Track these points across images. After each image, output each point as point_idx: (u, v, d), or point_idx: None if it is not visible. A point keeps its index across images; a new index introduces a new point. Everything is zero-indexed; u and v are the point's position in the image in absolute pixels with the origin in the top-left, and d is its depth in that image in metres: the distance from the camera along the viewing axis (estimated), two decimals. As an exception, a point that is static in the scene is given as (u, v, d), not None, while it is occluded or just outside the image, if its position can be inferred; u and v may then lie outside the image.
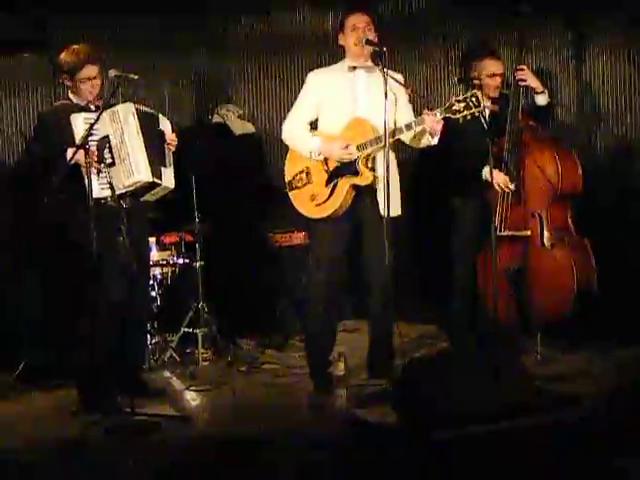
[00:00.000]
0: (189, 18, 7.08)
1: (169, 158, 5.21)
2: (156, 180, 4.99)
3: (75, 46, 5.05)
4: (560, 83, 6.34)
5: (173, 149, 5.23)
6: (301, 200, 5.14)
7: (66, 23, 6.50)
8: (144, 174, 4.92)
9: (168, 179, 5.16)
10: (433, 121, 4.80)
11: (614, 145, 6.20)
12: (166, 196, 5.25)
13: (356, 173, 4.95)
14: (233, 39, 7.29)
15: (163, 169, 5.13)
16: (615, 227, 5.94)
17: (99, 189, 4.82)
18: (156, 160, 5.06)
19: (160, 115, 5.28)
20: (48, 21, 6.53)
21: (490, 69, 5.65)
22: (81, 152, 4.69)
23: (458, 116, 4.75)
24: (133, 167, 4.89)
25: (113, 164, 4.86)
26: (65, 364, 5.39)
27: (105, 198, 4.83)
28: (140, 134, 4.94)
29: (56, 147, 4.88)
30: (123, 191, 4.89)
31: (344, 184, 4.98)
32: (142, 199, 5.15)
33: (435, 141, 4.99)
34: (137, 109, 5.00)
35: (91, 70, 4.99)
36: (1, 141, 6.59)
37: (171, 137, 5.23)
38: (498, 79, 5.67)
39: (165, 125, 5.26)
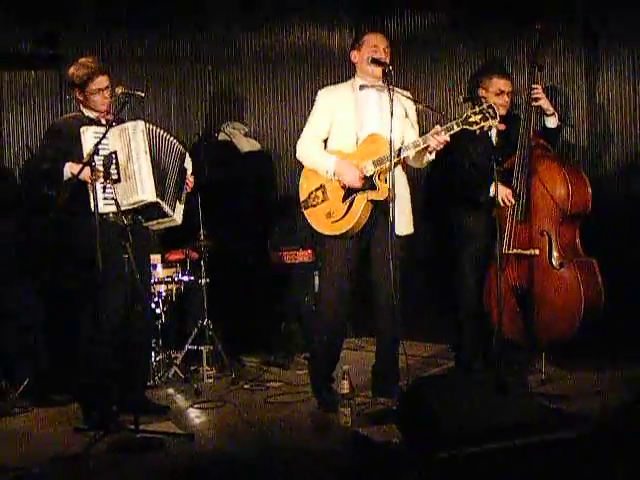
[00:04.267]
0: (195, 36, 7.13)
1: (184, 195, 5.22)
2: (160, 201, 4.95)
3: (82, 59, 5.07)
4: (571, 102, 6.36)
5: (189, 190, 5.26)
6: (317, 218, 5.10)
7: (74, 38, 6.54)
8: (148, 194, 4.89)
9: (178, 214, 5.15)
10: (439, 141, 4.80)
11: (624, 165, 6.19)
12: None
13: (373, 188, 4.94)
14: (239, 57, 7.32)
15: (178, 203, 5.13)
16: (623, 245, 5.94)
17: (102, 204, 4.78)
18: (172, 191, 5.06)
19: (187, 154, 5.28)
20: (58, 36, 6.57)
21: (497, 86, 5.64)
22: (87, 168, 4.67)
23: (475, 128, 4.75)
24: (138, 186, 4.86)
25: (118, 180, 4.82)
26: (68, 381, 5.39)
27: (108, 214, 4.82)
28: (148, 153, 4.90)
29: (64, 156, 4.86)
30: (126, 208, 4.86)
31: (361, 199, 4.95)
32: (146, 224, 5.12)
33: (433, 157, 5.01)
34: (150, 129, 4.99)
35: (102, 80, 4.99)
36: (8, 155, 6.61)
37: (190, 178, 5.26)
38: (506, 97, 5.65)
39: (189, 165, 5.28)
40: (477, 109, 4.73)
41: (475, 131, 4.79)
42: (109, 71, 5.07)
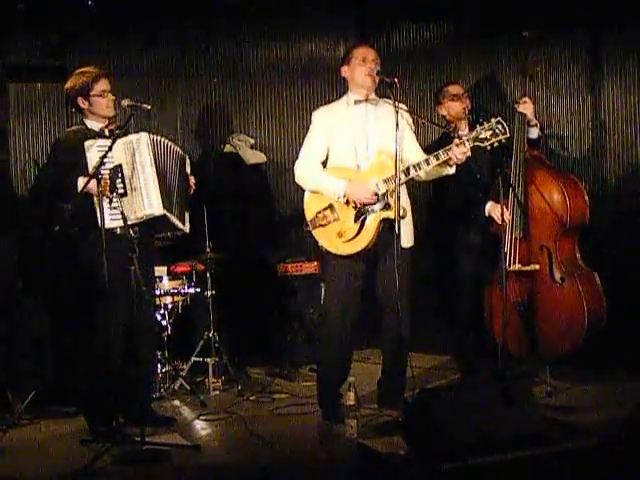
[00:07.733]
0: (202, 48, 7.16)
1: (189, 201, 5.23)
2: (167, 213, 4.96)
3: (79, 69, 5.09)
4: (575, 114, 6.38)
5: (192, 192, 5.27)
6: (327, 237, 5.04)
7: (81, 51, 6.57)
8: (156, 208, 4.89)
9: (186, 223, 5.17)
10: (463, 152, 4.80)
11: (628, 176, 6.20)
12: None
13: (387, 207, 4.92)
14: (245, 69, 7.35)
15: (185, 212, 5.16)
16: (624, 258, 5.94)
17: (109, 219, 4.79)
18: (178, 202, 5.08)
19: (187, 158, 5.28)
20: (63, 49, 6.61)
21: (451, 93, 5.77)
22: (93, 181, 4.65)
23: (486, 144, 4.76)
24: (145, 200, 4.86)
25: (125, 194, 4.79)
26: (74, 393, 5.40)
27: (115, 228, 4.82)
28: (153, 166, 4.91)
29: (70, 173, 4.85)
30: (133, 222, 4.86)
31: (375, 218, 4.94)
32: (158, 237, 5.17)
33: (453, 170, 5.00)
34: (153, 140, 4.98)
35: (104, 83, 5.01)
36: (15, 167, 6.64)
37: (191, 179, 5.27)
38: (467, 101, 5.77)
39: (188, 167, 5.27)
40: (486, 125, 4.74)
41: (486, 147, 4.78)
42: (109, 76, 5.09)
